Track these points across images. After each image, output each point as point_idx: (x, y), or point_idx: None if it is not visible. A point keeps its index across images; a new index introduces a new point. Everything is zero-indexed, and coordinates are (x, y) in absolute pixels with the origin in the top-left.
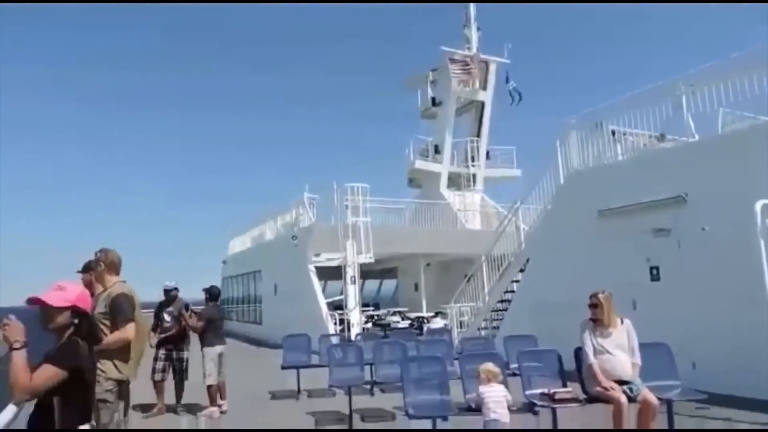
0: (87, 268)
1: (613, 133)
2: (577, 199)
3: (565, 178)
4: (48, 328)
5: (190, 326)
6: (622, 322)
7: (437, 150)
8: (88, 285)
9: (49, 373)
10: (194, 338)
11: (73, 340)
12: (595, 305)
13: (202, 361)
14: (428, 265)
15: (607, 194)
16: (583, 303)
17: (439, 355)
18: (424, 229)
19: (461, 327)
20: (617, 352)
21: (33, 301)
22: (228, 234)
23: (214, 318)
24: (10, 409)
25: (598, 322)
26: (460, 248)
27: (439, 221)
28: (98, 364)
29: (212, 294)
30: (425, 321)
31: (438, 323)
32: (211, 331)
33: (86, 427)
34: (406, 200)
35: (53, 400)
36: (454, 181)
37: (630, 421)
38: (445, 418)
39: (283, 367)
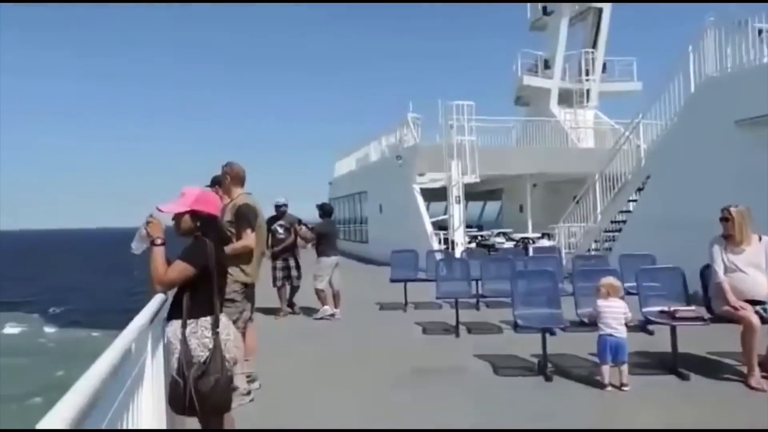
0: (215, 182)
1: (760, 32)
2: (710, 108)
3: (698, 86)
4: (177, 233)
5: (302, 237)
6: (760, 239)
7: (547, 65)
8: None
9: (180, 269)
10: (304, 252)
11: (200, 240)
12: (726, 219)
13: (316, 269)
14: (535, 186)
15: (748, 102)
16: (713, 221)
17: (550, 269)
18: (531, 149)
19: (569, 248)
20: (750, 271)
21: (157, 209)
22: (333, 156)
23: (326, 232)
24: (159, 297)
25: (729, 239)
26: (570, 168)
27: (548, 140)
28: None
29: (325, 210)
30: (531, 242)
31: (545, 244)
32: (325, 243)
33: (209, 319)
34: (513, 118)
35: (183, 295)
36: (566, 98)
37: (761, 343)
38: (553, 333)
39: (391, 281)
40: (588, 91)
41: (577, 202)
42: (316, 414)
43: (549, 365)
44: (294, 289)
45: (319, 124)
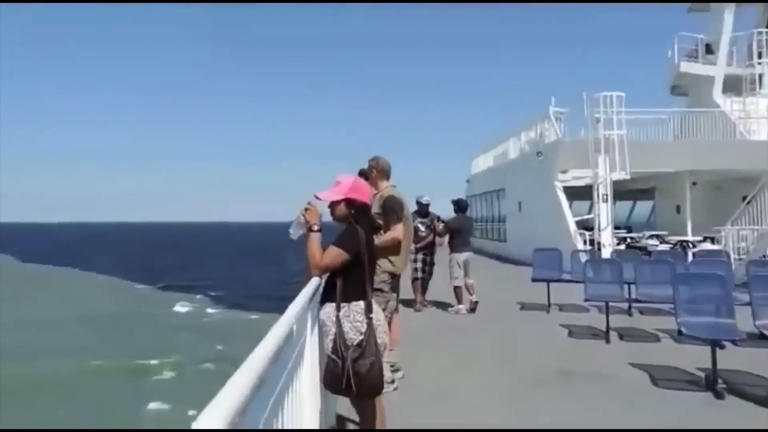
0: (361, 175)
1: None
2: None
3: None
4: (333, 219)
5: (437, 233)
6: None
7: (709, 49)
8: None
9: (334, 254)
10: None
11: (352, 227)
12: None
13: (449, 265)
14: (694, 184)
15: None
16: None
17: (721, 273)
18: (691, 143)
19: (739, 254)
20: None
21: (315, 197)
22: (471, 153)
23: (458, 227)
24: (315, 281)
25: None
26: (738, 164)
27: (710, 133)
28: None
29: (460, 206)
30: (690, 245)
31: (708, 248)
32: (458, 239)
33: (361, 303)
34: (669, 110)
35: (336, 279)
36: (732, 85)
37: None
38: (722, 345)
39: (533, 280)
40: (761, 76)
41: (748, 202)
42: (458, 409)
43: (719, 381)
44: (423, 284)
45: (458, 119)
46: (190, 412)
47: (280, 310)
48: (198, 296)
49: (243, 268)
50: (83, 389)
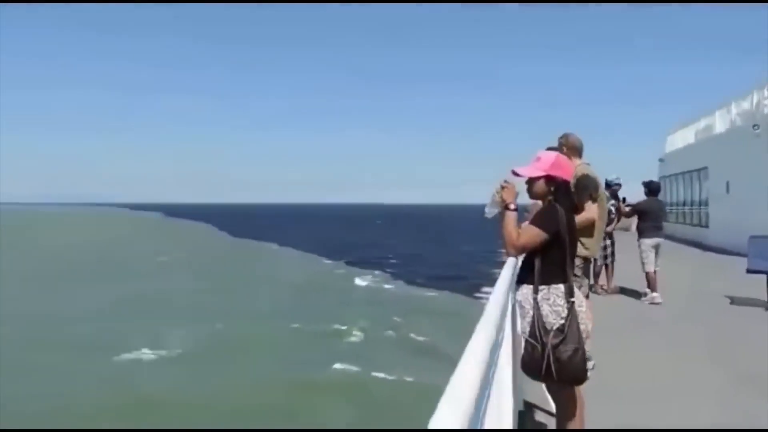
0: None
1: None
2: None
3: None
4: (531, 196)
5: (622, 215)
6: None
7: None
8: None
9: (532, 233)
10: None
11: (552, 206)
12: None
13: (639, 251)
14: None
15: None
16: None
17: None
18: None
19: None
20: None
21: (513, 173)
22: (666, 130)
23: (648, 210)
24: (512, 261)
25: None
26: None
27: None
28: None
29: (651, 188)
30: None
31: None
32: (647, 222)
33: (561, 287)
34: None
35: (534, 260)
36: None
37: None
38: None
39: (748, 271)
40: None
41: None
42: (657, 405)
43: None
44: (610, 269)
45: (651, 90)
46: (374, 374)
47: (454, 288)
48: (377, 272)
49: (420, 248)
50: (284, 348)
